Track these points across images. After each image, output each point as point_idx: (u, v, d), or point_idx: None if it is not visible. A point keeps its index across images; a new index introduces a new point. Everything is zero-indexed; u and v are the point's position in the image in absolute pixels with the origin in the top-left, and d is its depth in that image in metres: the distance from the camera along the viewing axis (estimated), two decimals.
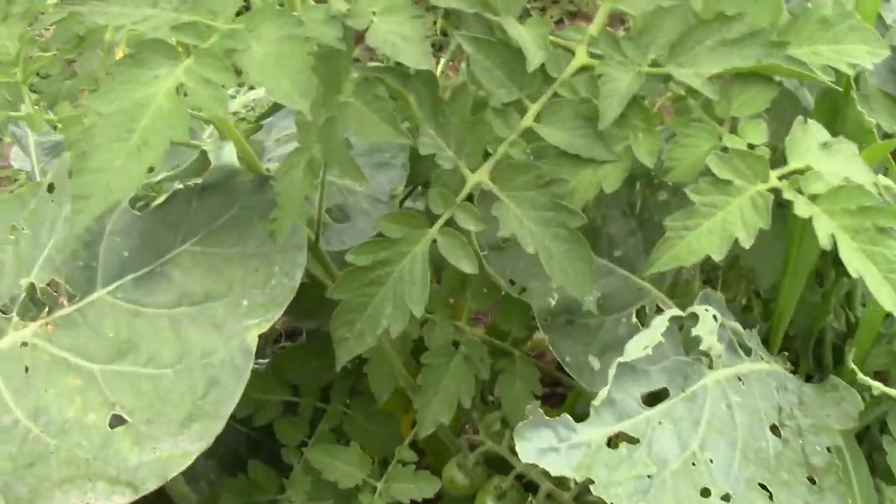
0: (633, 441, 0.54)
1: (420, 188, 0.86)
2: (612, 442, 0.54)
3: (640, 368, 0.55)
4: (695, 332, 0.56)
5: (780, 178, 0.53)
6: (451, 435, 0.80)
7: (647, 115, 0.56)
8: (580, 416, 0.62)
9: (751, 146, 0.54)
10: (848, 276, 0.76)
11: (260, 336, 0.66)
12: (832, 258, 0.75)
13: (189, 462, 0.60)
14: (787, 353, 0.74)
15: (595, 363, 0.71)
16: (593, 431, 0.53)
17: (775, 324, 0.74)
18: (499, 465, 0.79)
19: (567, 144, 0.57)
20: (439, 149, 0.58)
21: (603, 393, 0.53)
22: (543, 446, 0.53)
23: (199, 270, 0.68)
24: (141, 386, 0.64)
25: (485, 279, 0.78)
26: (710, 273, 0.81)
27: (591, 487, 0.52)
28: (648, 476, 0.53)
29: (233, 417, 0.99)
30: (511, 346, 0.78)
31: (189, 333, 0.66)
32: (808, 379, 0.76)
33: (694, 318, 0.58)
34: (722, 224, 0.51)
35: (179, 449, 0.61)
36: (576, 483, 0.76)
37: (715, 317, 0.58)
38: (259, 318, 0.66)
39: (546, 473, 0.75)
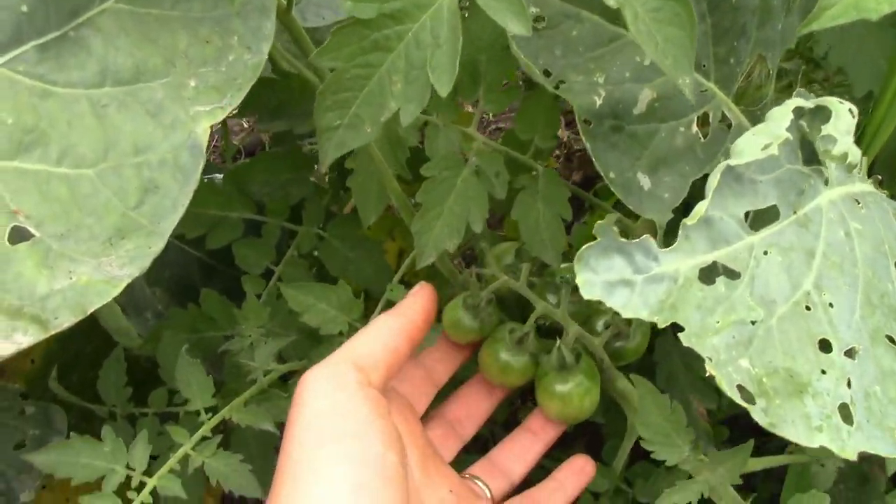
0: (733, 275, 0.39)
1: None
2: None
3: (746, 178, 0.40)
4: (826, 129, 0.41)
5: None
6: (452, 267, 0.65)
7: None
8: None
9: None
10: None
11: (211, 146, 0.50)
12: None
13: (116, 291, 0.44)
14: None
15: (645, 181, 0.56)
16: (682, 261, 0.38)
17: (867, 142, 0.59)
18: (509, 310, 0.65)
19: None
20: None
21: (700, 208, 0.38)
22: (613, 278, 0.38)
23: (127, 38, 0.50)
24: (52, 189, 0.48)
25: (504, 71, 0.61)
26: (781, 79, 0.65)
27: (681, 336, 0.37)
28: (752, 322, 0.39)
29: (182, 238, 0.83)
30: (532, 160, 0.62)
31: (117, 122, 0.49)
32: None
33: (821, 112, 0.42)
34: None
35: (103, 273, 0.45)
36: (606, 327, 0.62)
37: (851, 111, 0.42)
38: (212, 104, 0.49)
39: (576, 316, 0.61)
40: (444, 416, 0.62)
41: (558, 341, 0.58)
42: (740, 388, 0.37)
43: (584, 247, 0.37)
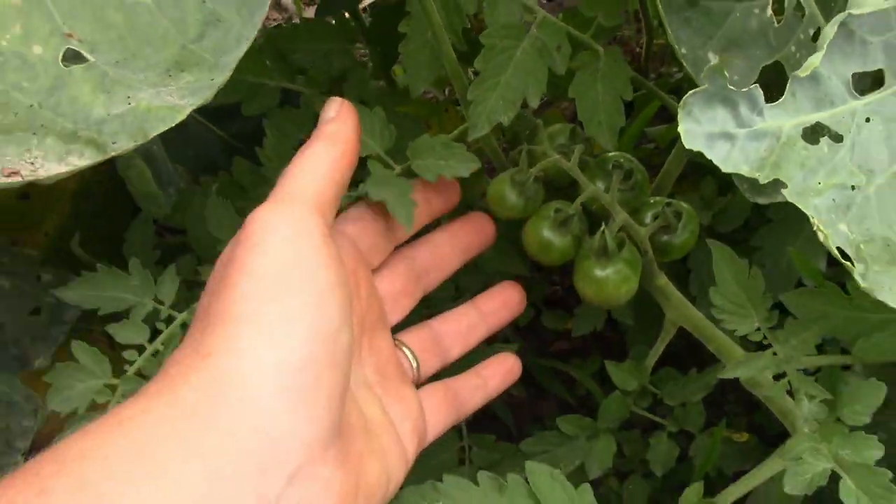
0: (836, 138, 0.38)
1: None
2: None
3: (857, 36, 0.38)
4: None
5: None
6: (498, 149, 0.64)
7: None
8: None
9: None
10: None
11: None
12: None
13: (180, 117, 0.42)
14: None
15: (715, 62, 0.54)
16: (785, 117, 0.37)
17: None
18: (556, 193, 0.63)
19: None
20: None
21: (813, 61, 0.36)
22: (715, 130, 0.36)
23: None
24: (107, 15, 0.45)
25: None
26: None
27: (784, 192, 0.36)
28: (852, 187, 0.37)
29: (209, 115, 0.81)
30: (592, 39, 0.60)
31: None
32: None
33: None
34: None
35: (164, 101, 0.43)
36: (654, 218, 0.61)
37: None
38: None
39: (625, 204, 0.59)
40: (412, 260, 0.56)
41: (603, 226, 0.56)
42: (839, 250, 0.36)
43: (689, 93, 0.36)
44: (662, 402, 0.68)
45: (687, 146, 0.36)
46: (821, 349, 0.57)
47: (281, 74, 0.67)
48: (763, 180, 0.36)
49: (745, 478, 0.48)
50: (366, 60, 0.72)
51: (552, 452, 0.64)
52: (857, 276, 0.35)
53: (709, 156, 0.36)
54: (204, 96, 0.43)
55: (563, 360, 0.84)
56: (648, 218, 0.61)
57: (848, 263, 0.35)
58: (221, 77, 0.44)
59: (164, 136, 0.73)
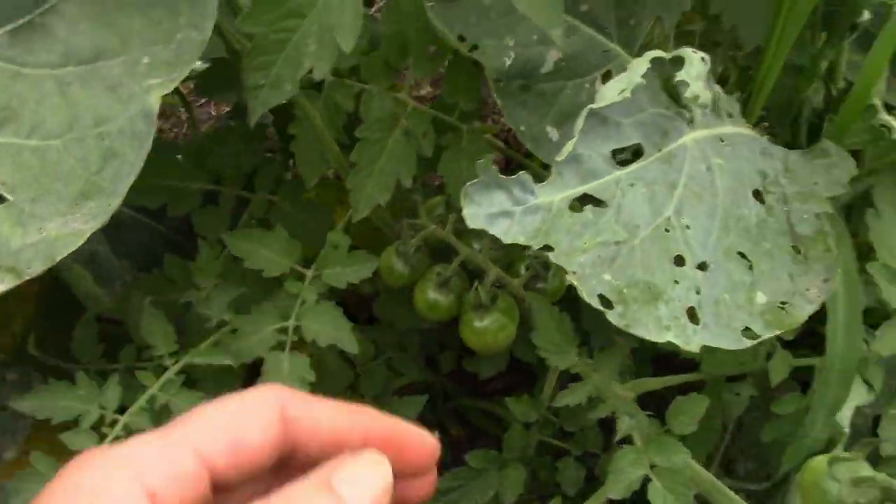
0: (601, 205, 0.47)
1: None
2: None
3: (611, 120, 0.47)
4: (680, 76, 0.48)
5: None
6: (388, 220, 0.73)
7: None
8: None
9: None
10: (841, 37, 0.68)
11: (182, 133, 0.56)
12: (822, 17, 0.67)
13: (80, 241, 0.51)
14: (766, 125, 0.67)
15: (553, 134, 0.63)
16: (554, 193, 0.46)
17: (755, 91, 0.66)
18: (441, 256, 0.72)
19: None
20: None
21: (568, 146, 0.45)
22: (494, 210, 0.45)
23: (87, 23, 0.57)
24: (24, 160, 0.54)
25: (429, 41, 0.68)
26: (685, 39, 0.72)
27: (551, 256, 0.45)
28: (616, 243, 0.46)
29: (148, 213, 0.90)
30: (458, 121, 0.69)
31: (79, 98, 0.56)
32: None
33: (678, 62, 0.49)
34: None
35: (69, 228, 0.52)
36: (526, 269, 0.69)
37: (704, 59, 0.49)
38: (163, 77, 0.56)
39: (496, 260, 0.68)
40: None
41: (476, 283, 0.65)
42: (601, 297, 0.44)
43: (467, 184, 0.44)
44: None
45: (470, 226, 0.44)
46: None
47: (200, 178, 0.77)
48: (535, 247, 0.44)
49: (600, 490, 0.55)
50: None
51: (466, 486, 0.71)
52: (611, 316, 0.44)
53: (491, 231, 0.44)
54: (102, 220, 0.52)
55: (493, 400, 0.92)
56: (524, 270, 0.70)
57: (603, 308, 0.44)
58: (117, 201, 0.53)
59: (108, 234, 0.82)
